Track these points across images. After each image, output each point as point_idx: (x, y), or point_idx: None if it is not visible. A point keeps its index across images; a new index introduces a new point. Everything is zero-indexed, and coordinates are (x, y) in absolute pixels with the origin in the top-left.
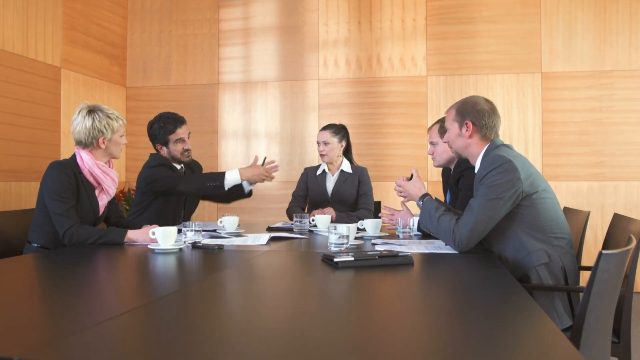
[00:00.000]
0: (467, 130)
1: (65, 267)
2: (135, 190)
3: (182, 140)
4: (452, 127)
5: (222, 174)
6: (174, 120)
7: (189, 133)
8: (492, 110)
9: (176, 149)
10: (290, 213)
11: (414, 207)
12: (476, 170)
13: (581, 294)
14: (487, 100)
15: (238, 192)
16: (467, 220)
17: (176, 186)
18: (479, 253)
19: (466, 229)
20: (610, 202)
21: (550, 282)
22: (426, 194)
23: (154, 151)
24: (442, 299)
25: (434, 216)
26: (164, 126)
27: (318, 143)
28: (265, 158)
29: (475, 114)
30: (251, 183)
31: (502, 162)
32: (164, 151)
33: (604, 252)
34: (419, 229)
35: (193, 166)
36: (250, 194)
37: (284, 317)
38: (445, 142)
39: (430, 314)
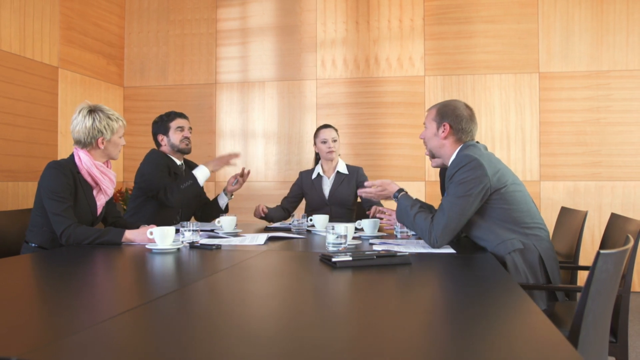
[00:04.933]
0: (443, 132)
1: (63, 267)
2: (133, 185)
3: (182, 128)
4: (430, 125)
5: (191, 174)
6: (176, 112)
7: (191, 129)
8: (470, 117)
9: (176, 136)
10: (271, 212)
11: None
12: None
13: (578, 293)
14: (467, 107)
15: (216, 210)
16: (440, 219)
17: (165, 194)
18: (477, 253)
19: (439, 228)
20: (607, 202)
21: (524, 268)
22: (401, 190)
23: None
24: (441, 298)
25: (410, 214)
26: (166, 117)
27: (325, 141)
28: (243, 168)
29: (454, 118)
30: (228, 194)
31: (468, 160)
32: (164, 142)
33: (602, 251)
34: None
35: (193, 166)
36: (226, 209)
37: (283, 317)
38: (421, 139)
39: (429, 314)
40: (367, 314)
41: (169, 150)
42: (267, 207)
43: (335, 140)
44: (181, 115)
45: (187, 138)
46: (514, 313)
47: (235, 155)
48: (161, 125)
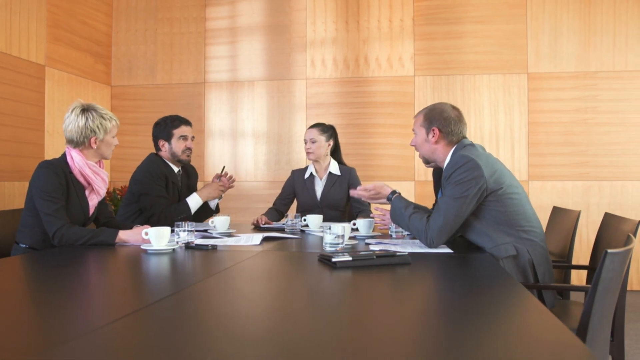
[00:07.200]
0: (433, 137)
1: (55, 268)
2: (127, 189)
3: (185, 137)
4: (420, 132)
5: (185, 203)
6: (181, 119)
7: (193, 137)
8: (458, 118)
9: (178, 145)
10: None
11: None
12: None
13: (572, 292)
14: (454, 108)
15: (206, 211)
16: (436, 220)
17: (154, 215)
18: (475, 252)
19: (435, 228)
20: (594, 201)
21: (515, 275)
22: (394, 192)
23: (145, 152)
24: (444, 298)
25: (405, 215)
26: (170, 122)
27: (305, 141)
28: (224, 167)
29: (442, 121)
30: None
31: (465, 160)
32: (165, 148)
33: (609, 251)
34: None
35: (190, 171)
36: (217, 209)
37: (285, 318)
38: (412, 146)
39: (434, 314)
40: (369, 314)
41: (168, 157)
42: (264, 216)
43: (314, 142)
44: (186, 123)
45: (189, 149)
46: (520, 312)
47: (230, 179)
48: (164, 130)
